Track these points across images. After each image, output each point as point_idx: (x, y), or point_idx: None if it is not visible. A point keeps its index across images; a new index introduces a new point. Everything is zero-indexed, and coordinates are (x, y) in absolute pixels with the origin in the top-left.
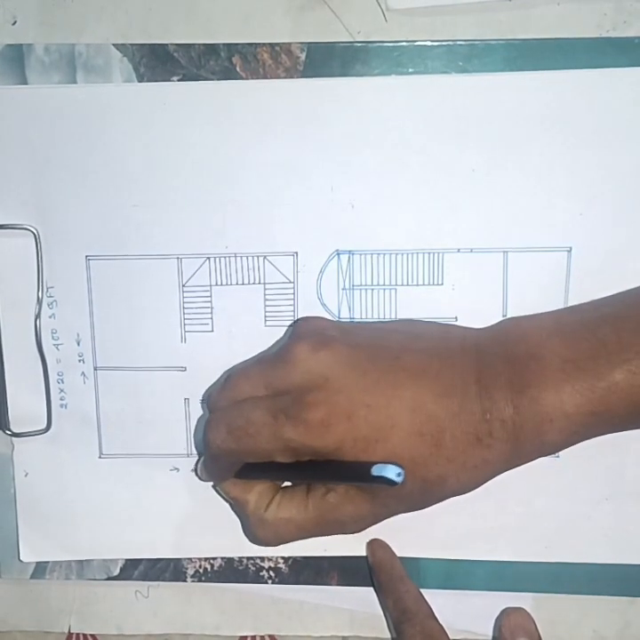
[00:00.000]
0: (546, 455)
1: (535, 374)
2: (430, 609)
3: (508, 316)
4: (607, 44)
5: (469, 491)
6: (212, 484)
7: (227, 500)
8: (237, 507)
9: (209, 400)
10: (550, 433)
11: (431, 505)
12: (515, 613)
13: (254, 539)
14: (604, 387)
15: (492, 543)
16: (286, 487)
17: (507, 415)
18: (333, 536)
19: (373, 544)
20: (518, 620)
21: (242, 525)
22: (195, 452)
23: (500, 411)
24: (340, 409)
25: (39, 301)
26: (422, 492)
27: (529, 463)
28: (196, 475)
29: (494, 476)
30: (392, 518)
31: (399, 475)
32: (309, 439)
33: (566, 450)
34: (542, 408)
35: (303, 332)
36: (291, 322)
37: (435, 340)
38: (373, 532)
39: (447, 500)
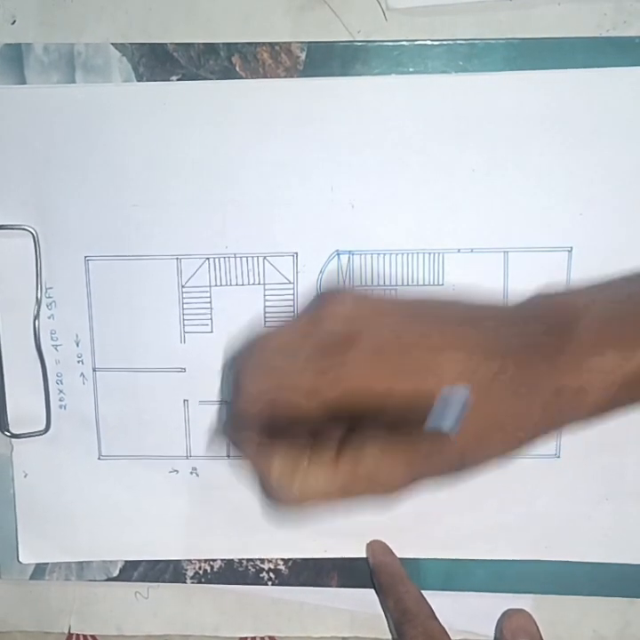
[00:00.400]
0: (584, 420)
1: (575, 339)
2: (431, 610)
3: None
4: (607, 43)
5: (508, 455)
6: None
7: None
8: (259, 476)
9: (236, 360)
10: (589, 400)
11: (467, 473)
12: (516, 615)
13: (276, 507)
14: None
15: (492, 543)
16: (313, 451)
17: (548, 376)
18: (333, 536)
19: (373, 545)
20: (520, 622)
21: (264, 496)
22: (193, 453)
23: (542, 372)
24: (381, 362)
25: (38, 302)
26: (459, 463)
27: (529, 463)
28: (216, 438)
29: (532, 442)
30: (392, 519)
31: (452, 429)
32: (351, 395)
33: (566, 449)
34: (583, 374)
35: (340, 290)
36: None
37: (470, 309)
38: (373, 532)
39: (447, 500)
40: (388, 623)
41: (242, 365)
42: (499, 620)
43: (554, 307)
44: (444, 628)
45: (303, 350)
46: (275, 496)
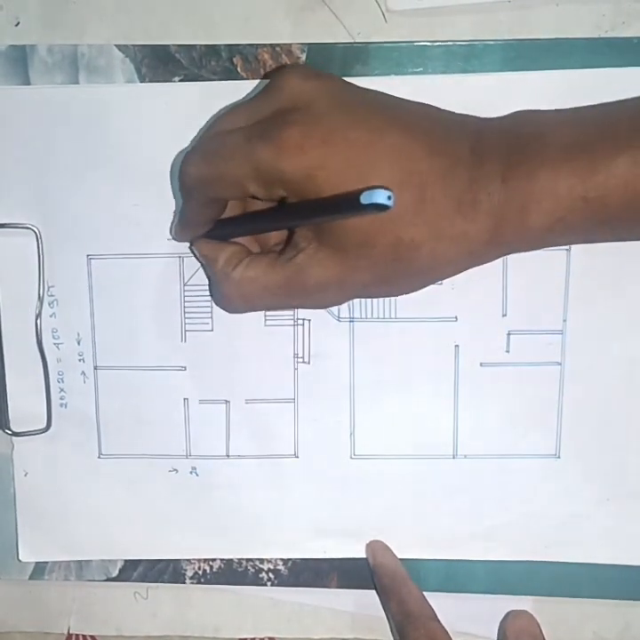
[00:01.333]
0: (526, 249)
1: (534, 152)
2: (433, 611)
3: (508, 316)
4: (605, 44)
5: (442, 274)
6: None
7: (199, 261)
8: (207, 266)
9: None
10: (535, 214)
11: (403, 284)
12: (519, 616)
13: (220, 298)
14: (602, 170)
15: (492, 543)
16: (257, 253)
17: (494, 186)
18: (333, 536)
19: (374, 546)
20: (523, 623)
21: (210, 288)
22: (193, 453)
23: (489, 181)
24: (318, 133)
25: (40, 300)
26: (393, 258)
27: (529, 463)
28: (171, 235)
29: (470, 263)
30: (392, 519)
31: (389, 198)
32: (281, 160)
33: (567, 450)
34: (533, 185)
35: (292, 66)
36: (291, 321)
37: (434, 109)
38: (373, 533)
39: (446, 500)
40: (390, 624)
41: (186, 156)
42: (501, 622)
43: (520, 122)
44: (445, 630)
45: (242, 130)
46: (219, 287)
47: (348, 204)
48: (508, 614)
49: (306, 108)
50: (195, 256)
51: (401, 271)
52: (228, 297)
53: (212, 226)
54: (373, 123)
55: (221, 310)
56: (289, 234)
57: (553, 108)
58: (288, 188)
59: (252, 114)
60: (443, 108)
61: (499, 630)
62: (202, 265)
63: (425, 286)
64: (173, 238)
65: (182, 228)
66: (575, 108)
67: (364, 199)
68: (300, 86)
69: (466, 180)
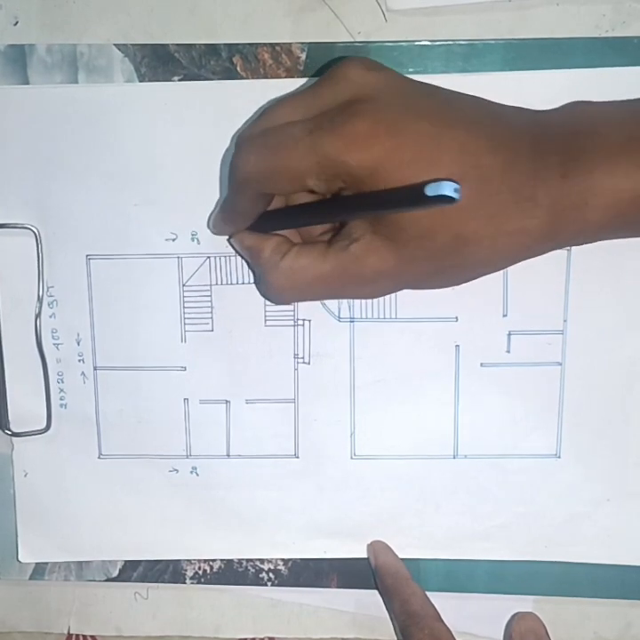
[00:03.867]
0: (581, 243)
1: (592, 147)
2: (436, 611)
3: (509, 316)
4: (606, 44)
5: (496, 268)
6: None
7: (240, 254)
8: (251, 258)
9: (238, 134)
10: (594, 209)
11: (457, 276)
12: (524, 617)
13: (269, 289)
14: None
15: (493, 543)
16: (304, 242)
17: (553, 182)
18: (333, 537)
19: (375, 546)
20: (529, 624)
21: (255, 280)
22: (193, 453)
23: (548, 176)
24: (386, 125)
25: (39, 300)
26: (453, 250)
27: (529, 463)
28: (209, 227)
29: (525, 257)
30: (393, 519)
31: (456, 190)
32: (348, 152)
33: (567, 450)
34: (592, 181)
35: (353, 57)
36: (291, 321)
37: (494, 104)
38: (373, 533)
39: (447, 500)
40: (394, 625)
41: (240, 143)
42: (507, 623)
43: (577, 115)
44: (449, 630)
45: (304, 123)
46: (268, 277)
47: (414, 196)
48: (514, 616)
49: (371, 100)
50: (235, 249)
51: (458, 264)
52: (278, 287)
53: (255, 219)
54: (438, 116)
55: (221, 311)
56: (340, 224)
57: (553, 107)
58: (350, 181)
59: (312, 105)
60: None
61: (505, 631)
62: (245, 258)
63: (476, 278)
64: (213, 232)
65: (226, 221)
66: (629, 101)
67: (431, 191)
68: (363, 77)
69: (526, 174)
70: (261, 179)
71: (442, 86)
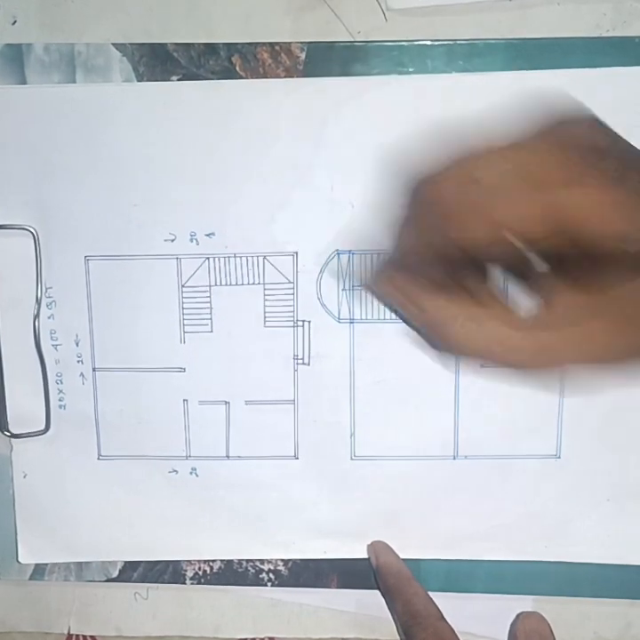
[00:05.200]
0: None
1: None
2: (439, 610)
3: None
4: (606, 43)
5: None
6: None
7: (412, 324)
8: (438, 325)
9: (424, 185)
10: None
11: None
12: (529, 617)
13: (455, 344)
14: None
15: (493, 543)
16: (493, 299)
17: None
18: (333, 537)
19: (376, 546)
20: (533, 624)
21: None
22: (193, 453)
23: None
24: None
25: (38, 301)
26: None
27: (529, 463)
28: (365, 287)
29: None
30: (393, 519)
31: None
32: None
33: (567, 450)
34: None
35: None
36: (291, 322)
37: None
38: (373, 533)
39: (447, 500)
40: (396, 625)
41: (426, 195)
42: (512, 623)
43: None
44: (452, 629)
45: (508, 178)
46: (458, 343)
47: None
48: (518, 615)
49: (588, 172)
50: (404, 321)
51: None
52: (472, 343)
53: None
54: None
55: (220, 312)
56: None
57: (553, 107)
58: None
59: (511, 168)
60: (442, 107)
61: (509, 631)
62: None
63: None
64: (372, 292)
65: (391, 280)
66: None
67: None
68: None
69: None
70: (445, 259)
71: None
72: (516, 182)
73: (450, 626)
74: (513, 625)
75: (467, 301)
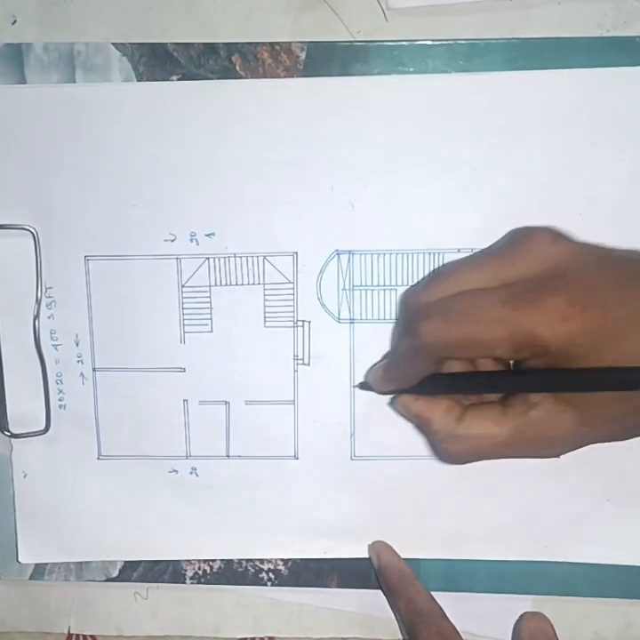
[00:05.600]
0: None
1: None
2: (442, 609)
3: None
4: (607, 43)
5: None
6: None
7: (405, 417)
8: (421, 424)
9: (409, 296)
10: None
11: (634, 434)
12: (533, 617)
13: (445, 456)
14: None
15: (492, 543)
16: (474, 404)
17: None
18: (333, 537)
19: (377, 546)
20: (536, 624)
21: (429, 445)
22: (193, 453)
23: None
24: (579, 300)
25: (38, 302)
26: (635, 412)
27: (529, 463)
28: (364, 388)
29: None
30: (393, 519)
31: None
32: (542, 329)
33: None
34: None
35: (533, 228)
36: (291, 322)
37: None
38: (373, 533)
39: (447, 500)
40: (399, 624)
41: (419, 307)
42: (516, 623)
43: None
44: (455, 628)
45: (494, 292)
46: (445, 445)
47: (618, 382)
48: (522, 615)
49: (562, 275)
50: (398, 412)
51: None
52: (455, 455)
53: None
54: (625, 278)
55: (220, 312)
56: None
57: (554, 107)
58: (541, 354)
59: (495, 275)
60: (443, 107)
61: (513, 631)
62: (414, 423)
63: None
64: (371, 387)
65: (391, 380)
66: None
67: None
68: (549, 251)
69: None
70: (448, 346)
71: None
72: (485, 299)
73: (453, 625)
74: (517, 625)
75: (445, 401)
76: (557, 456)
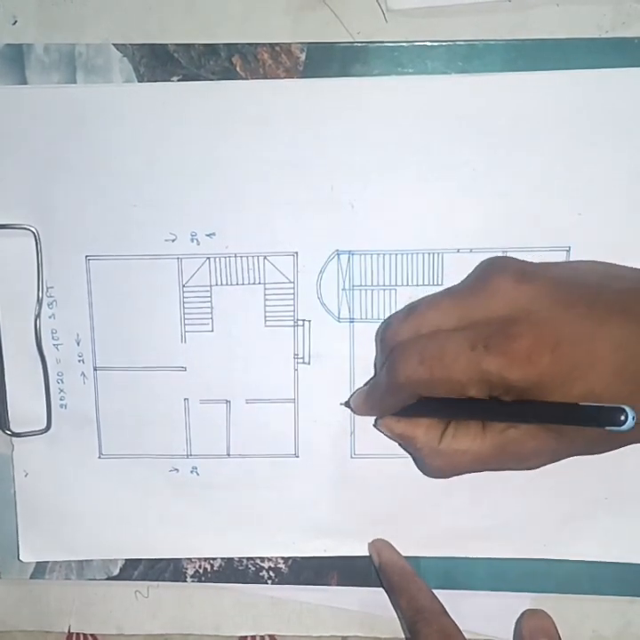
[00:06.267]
0: None
1: None
2: (443, 607)
3: None
4: (606, 44)
5: None
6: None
7: (389, 437)
8: (404, 443)
9: (387, 331)
10: None
11: (612, 449)
12: (535, 615)
13: (429, 471)
14: None
15: (492, 541)
16: (455, 421)
17: None
18: (333, 535)
19: (377, 544)
20: (538, 622)
21: (413, 460)
22: (194, 452)
23: None
24: (545, 341)
25: (39, 301)
26: (614, 437)
27: None
28: (349, 407)
29: None
30: (392, 518)
31: (634, 419)
32: (510, 372)
33: None
34: None
35: (500, 265)
36: (291, 321)
37: (633, 282)
38: (373, 531)
39: (446, 498)
40: (401, 622)
41: (396, 346)
42: (517, 621)
43: None
44: (457, 625)
45: (463, 335)
46: (428, 461)
47: (588, 417)
48: (523, 613)
49: (527, 317)
50: (382, 432)
51: (616, 442)
52: (438, 469)
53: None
54: (591, 315)
55: (221, 311)
56: None
57: (553, 108)
58: (513, 394)
59: (465, 314)
60: (443, 108)
61: (514, 628)
62: (397, 442)
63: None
64: (353, 411)
65: (372, 408)
66: None
67: (628, 425)
68: (513, 292)
69: None
70: (420, 386)
71: (582, 272)
72: (455, 342)
73: (454, 622)
74: (518, 622)
75: (426, 419)
76: (536, 468)
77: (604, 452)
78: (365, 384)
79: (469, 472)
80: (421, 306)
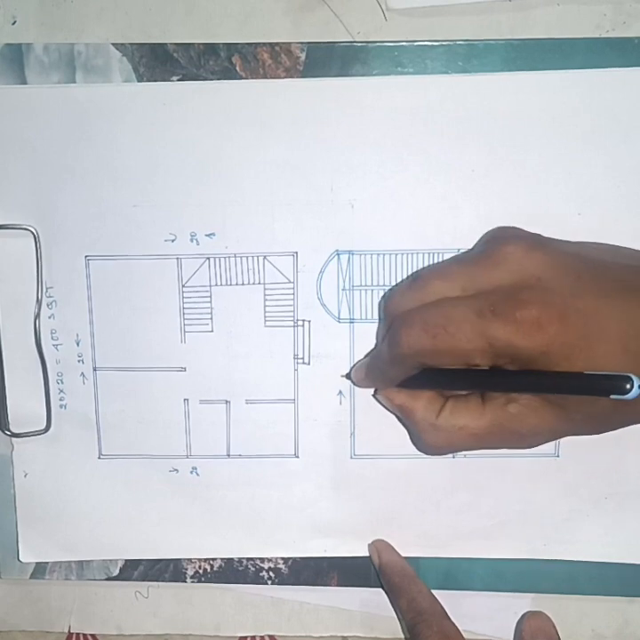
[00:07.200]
0: None
1: None
2: (443, 609)
3: None
4: (606, 44)
5: None
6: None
7: (388, 409)
8: (403, 415)
9: (390, 300)
10: None
11: (612, 429)
12: (535, 616)
13: (424, 446)
14: None
15: (492, 541)
16: (457, 395)
17: None
18: (333, 535)
19: (378, 546)
20: (538, 623)
21: (409, 434)
22: (194, 453)
23: None
24: (553, 310)
25: (38, 301)
26: (614, 412)
27: (528, 462)
28: (349, 379)
29: None
30: (392, 518)
31: None
32: (518, 339)
33: (566, 448)
34: None
35: (512, 234)
36: (291, 321)
37: (637, 259)
38: (373, 532)
39: (446, 499)
40: (401, 623)
41: (399, 315)
42: (518, 622)
43: None
44: (457, 627)
45: (470, 303)
46: (424, 436)
47: (593, 386)
48: (524, 615)
49: (536, 284)
50: (381, 403)
51: (616, 421)
52: (435, 445)
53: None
54: (599, 287)
55: (221, 311)
56: None
57: (553, 108)
58: (518, 362)
59: (471, 282)
60: (442, 108)
61: (515, 630)
62: (395, 414)
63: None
64: (354, 383)
65: (373, 380)
66: None
67: (633, 393)
68: (524, 260)
69: None
70: (428, 356)
71: (589, 247)
72: (461, 310)
73: (454, 624)
74: (518, 624)
75: (427, 392)
76: (532, 447)
77: (602, 431)
78: (366, 355)
79: (465, 450)
80: (426, 274)
